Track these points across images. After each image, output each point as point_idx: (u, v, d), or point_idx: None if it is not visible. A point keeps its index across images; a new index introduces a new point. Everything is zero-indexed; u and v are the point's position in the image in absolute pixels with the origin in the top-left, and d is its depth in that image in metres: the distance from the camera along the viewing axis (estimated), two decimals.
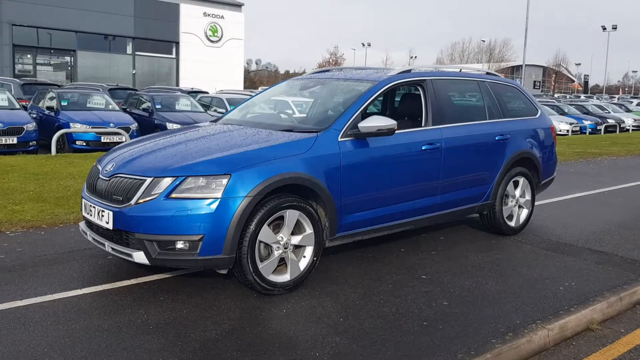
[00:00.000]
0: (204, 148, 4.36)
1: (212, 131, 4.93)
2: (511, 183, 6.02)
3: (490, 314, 4.02)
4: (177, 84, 35.19)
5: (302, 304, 4.09)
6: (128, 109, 17.12)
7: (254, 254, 4.00)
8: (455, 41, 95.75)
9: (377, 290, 4.40)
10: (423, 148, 5.06)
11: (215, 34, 38.97)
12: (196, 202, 3.84)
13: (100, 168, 4.42)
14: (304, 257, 4.34)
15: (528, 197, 6.27)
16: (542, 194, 8.06)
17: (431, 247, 5.60)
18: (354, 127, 4.58)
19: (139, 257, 3.92)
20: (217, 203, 3.84)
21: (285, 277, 4.22)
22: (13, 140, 12.51)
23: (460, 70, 6.18)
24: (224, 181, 3.89)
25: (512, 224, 6.14)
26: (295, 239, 4.25)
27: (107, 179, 4.20)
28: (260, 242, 4.05)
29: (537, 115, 6.55)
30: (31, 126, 12.98)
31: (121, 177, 4.11)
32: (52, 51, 33.10)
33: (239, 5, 41.83)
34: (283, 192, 4.18)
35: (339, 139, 4.52)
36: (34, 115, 14.98)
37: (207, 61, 37.87)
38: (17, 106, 14.07)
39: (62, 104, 14.76)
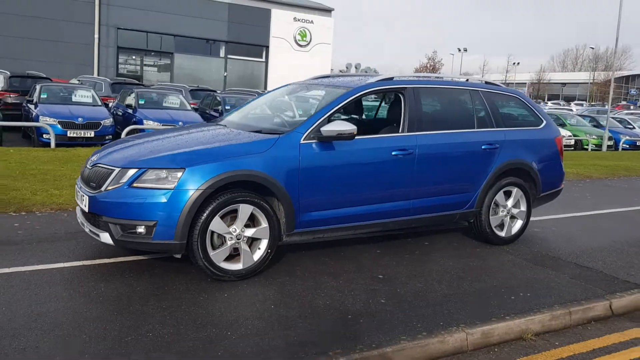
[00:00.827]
0: (174, 145, 4.84)
1: (194, 130, 5.42)
2: (501, 193, 6.02)
3: (420, 315, 4.17)
4: (265, 87, 36.48)
5: (247, 290, 4.44)
6: (205, 109, 18.27)
7: (205, 242, 4.41)
8: (569, 48, 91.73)
9: (326, 285, 4.67)
10: (393, 153, 5.24)
11: (304, 39, 39.97)
12: (153, 191, 4.32)
13: (90, 159, 5.03)
14: (259, 249, 4.69)
15: (523, 208, 6.22)
16: (568, 207, 7.92)
17: (409, 251, 5.75)
18: (318, 131, 4.88)
19: (105, 237, 4.46)
20: (170, 194, 4.30)
21: (238, 266, 4.60)
22: (91, 133, 13.78)
23: (452, 80, 6.26)
24: (179, 174, 4.34)
25: (502, 234, 6.13)
26: (250, 232, 4.62)
27: (90, 168, 4.79)
28: (212, 231, 4.45)
29: (541, 126, 6.47)
30: (108, 121, 14.22)
31: (99, 167, 4.68)
32: (152, 53, 35.48)
33: (328, 10, 42.61)
34: (239, 187, 4.56)
35: (301, 142, 4.83)
36: (120, 112, 16.38)
37: (295, 65, 38.87)
38: (99, 103, 15.45)
39: (140, 102, 15.99)
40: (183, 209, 4.30)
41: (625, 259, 5.92)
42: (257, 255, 4.68)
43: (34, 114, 14.03)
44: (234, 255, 4.63)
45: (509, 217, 6.15)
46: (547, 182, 6.41)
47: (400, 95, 5.55)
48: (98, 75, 30.00)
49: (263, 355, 3.42)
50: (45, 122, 13.37)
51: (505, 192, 6.08)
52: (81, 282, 4.39)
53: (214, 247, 4.51)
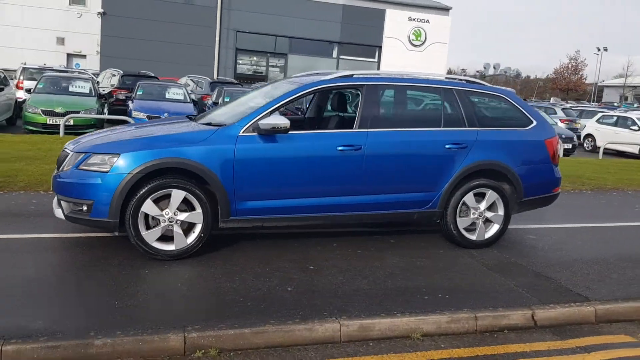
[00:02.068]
0: (131, 134, 5.37)
1: (162, 122, 5.93)
2: (471, 194, 5.84)
3: (311, 304, 4.27)
4: None
5: (171, 269, 4.83)
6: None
7: (137, 222, 4.87)
8: None
9: (249, 270, 4.92)
10: (339, 149, 5.34)
11: (419, 38, 39.55)
12: (92, 174, 4.86)
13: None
14: (194, 232, 5.06)
15: (500, 212, 5.97)
16: (590, 217, 7.45)
17: (366, 247, 5.80)
18: (257, 125, 5.14)
19: (58, 213, 5.09)
20: (105, 176, 4.81)
21: (170, 247, 5.01)
22: None
23: (422, 78, 6.14)
24: (114, 160, 4.84)
25: (473, 237, 5.94)
26: (183, 216, 5.01)
27: (62, 152, 5.46)
28: (144, 213, 4.89)
29: (528, 127, 6.15)
30: None
31: (65, 151, 5.32)
32: (268, 55, 37.21)
33: (446, 9, 41.75)
34: (176, 174, 4.95)
35: (239, 134, 5.12)
36: (208, 108, 17.63)
37: (408, 65, 38.65)
38: (188, 100, 16.70)
39: (225, 100, 17.05)
40: (115, 190, 4.78)
41: (600, 273, 5.49)
42: (191, 238, 5.05)
43: (130, 108, 15.56)
44: (171, 236, 5.04)
45: (481, 220, 5.94)
46: (532, 186, 6.09)
47: (358, 92, 5.62)
48: (218, 75, 32.18)
49: (130, 326, 3.77)
50: (136, 116, 14.80)
51: (477, 194, 5.89)
52: (56, 249, 5.06)
53: (149, 228, 4.95)
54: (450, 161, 5.74)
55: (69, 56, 31.91)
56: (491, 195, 5.91)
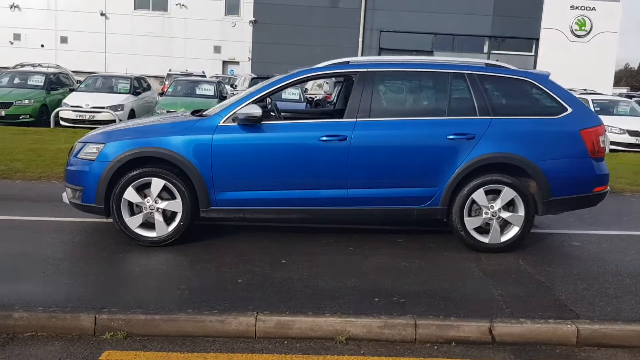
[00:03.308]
0: (128, 125, 5.66)
1: (167, 115, 6.13)
2: (481, 191, 5.20)
3: (246, 297, 4.14)
4: None
5: (149, 255, 5.00)
6: None
7: (120, 208, 5.11)
8: None
9: (218, 261, 4.89)
10: (323, 139, 5.09)
11: (583, 28, 36.07)
12: (84, 162, 5.21)
13: None
14: (175, 221, 5.19)
15: (521, 212, 5.24)
16: None
17: (362, 244, 5.46)
18: (236, 115, 5.11)
19: (64, 197, 5.53)
20: (92, 164, 5.13)
21: (152, 234, 5.18)
22: None
23: (431, 62, 5.56)
24: (100, 148, 5.14)
25: (486, 240, 5.29)
26: (163, 204, 5.15)
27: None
28: (127, 200, 5.12)
29: (561, 116, 5.32)
30: None
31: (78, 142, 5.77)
32: (414, 53, 36.64)
33: None
34: (158, 163, 5.12)
35: (219, 124, 5.13)
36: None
37: (570, 58, 35.51)
38: (302, 100, 17.01)
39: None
40: (100, 177, 5.08)
41: (624, 289, 4.57)
42: (172, 226, 5.18)
43: None
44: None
45: (495, 221, 5.26)
46: (562, 184, 5.27)
47: (351, 79, 5.32)
48: None
49: (64, 303, 3.99)
50: None
51: (491, 191, 5.24)
52: (50, 231, 5.54)
53: (134, 214, 5.18)
54: (453, 153, 5.17)
55: (224, 63, 34.40)
56: (507, 193, 5.21)
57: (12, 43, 32.57)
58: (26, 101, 15.65)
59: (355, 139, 5.11)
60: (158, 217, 5.17)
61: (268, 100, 6.62)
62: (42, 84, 16.75)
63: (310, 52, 33.36)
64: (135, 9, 33.17)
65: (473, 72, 5.37)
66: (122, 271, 4.66)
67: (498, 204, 5.24)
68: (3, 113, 15.06)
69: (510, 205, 5.27)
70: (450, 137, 5.16)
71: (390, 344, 3.81)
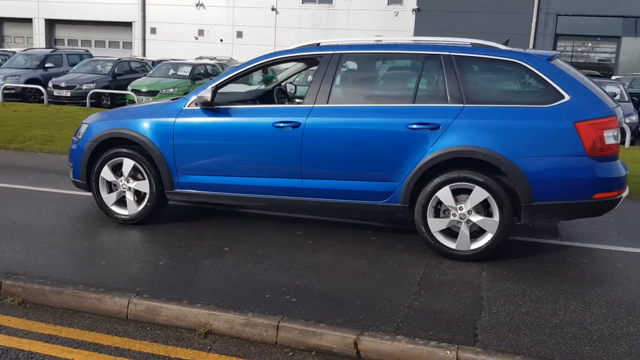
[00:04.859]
0: (121, 109, 5.98)
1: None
2: (447, 189, 4.54)
3: (159, 281, 4.15)
4: None
5: (111, 231, 5.26)
6: None
7: (98, 185, 5.44)
8: None
9: (164, 243, 4.95)
10: (276, 125, 4.87)
11: None
12: (75, 141, 5.64)
13: None
14: (144, 200, 5.38)
15: (496, 218, 4.48)
16: None
17: (325, 238, 5.11)
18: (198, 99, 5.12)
19: (71, 176, 6.03)
20: (78, 143, 5.53)
21: (125, 212, 5.43)
22: None
23: (407, 43, 4.90)
24: (86, 128, 5.52)
25: (453, 245, 4.61)
26: (133, 184, 5.36)
27: None
28: (104, 178, 5.43)
29: (554, 104, 4.40)
30: None
31: None
32: (598, 39, 32.83)
33: None
34: (130, 144, 5.34)
35: (184, 108, 5.18)
36: None
37: None
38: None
39: None
40: (82, 155, 5.45)
41: (550, 321, 3.66)
42: (141, 205, 5.37)
43: None
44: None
45: (465, 224, 4.56)
46: (549, 187, 4.39)
47: (316, 63, 4.99)
48: None
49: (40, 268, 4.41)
50: None
51: (458, 190, 4.56)
52: (50, 202, 6.11)
53: (110, 192, 5.47)
54: (414, 145, 4.58)
55: None
56: (478, 194, 4.48)
57: (196, 38, 36.02)
58: (171, 89, 17.27)
59: (309, 126, 4.80)
60: (129, 196, 5.40)
61: (288, 86, 6.54)
62: (188, 74, 18.36)
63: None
64: (302, 2, 34.56)
65: (451, 54, 4.68)
66: (74, 243, 4.94)
67: (468, 206, 4.54)
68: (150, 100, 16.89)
69: (487, 208, 4.53)
70: (412, 126, 4.58)
71: (250, 344, 3.55)
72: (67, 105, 16.92)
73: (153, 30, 36.33)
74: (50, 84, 17.84)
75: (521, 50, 4.84)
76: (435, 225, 4.63)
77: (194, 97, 5.16)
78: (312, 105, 4.84)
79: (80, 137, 5.54)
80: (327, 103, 4.82)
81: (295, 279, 4.23)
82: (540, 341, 3.38)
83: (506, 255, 4.74)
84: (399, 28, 33.42)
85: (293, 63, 6.01)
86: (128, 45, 36.80)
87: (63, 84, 17.76)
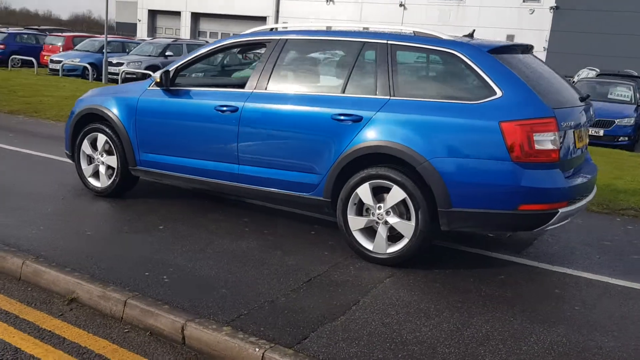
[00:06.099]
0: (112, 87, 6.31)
1: None
2: (366, 186, 4.24)
3: (63, 248, 4.39)
4: None
5: (85, 204, 5.60)
6: None
7: (79, 157, 5.82)
8: None
9: (118, 218, 5.21)
10: (218, 109, 4.87)
11: None
12: (69, 115, 6.09)
13: None
14: (113, 174, 5.67)
15: (411, 221, 4.11)
16: None
17: (266, 228, 5.02)
18: None
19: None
20: (70, 117, 5.96)
21: (98, 184, 5.76)
22: (600, 132, 13.04)
23: (347, 31, 4.56)
24: (76, 103, 5.94)
25: (370, 246, 4.30)
26: (105, 158, 5.67)
27: None
28: (84, 151, 5.80)
29: (481, 101, 3.91)
30: (625, 121, 13.25)
31: None
32: None
33: None
34: (106, 121, 5.64)
35: (148, 88, 5.37)
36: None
37: None
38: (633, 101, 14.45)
39: None
40: (69, 129, 5.88)
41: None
42: (111, 179, 5.67)
43: None
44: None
45: (382, 225, 4.24)
46: (468, 192, 3.94)
47: (263, 49, 4.91)
48: None
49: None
50: None
51: (381, 188, 4.24)
52: (65, 170, 6.63)
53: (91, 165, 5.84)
54: (337, 137, 4.33)
55: None
56: (395, 194, 4.14)
57: None
58: None
59: (245, 111, 4.74)
60: (102, 170, 5.71)
61: None
62: None
63: (617, 42, 28.99)
64: None
65: (388, 42, 4.35)
66: (41, 213, 5.26)
67: (386, 206, 4.21)
68: None
69: (405, 210, 4.18)
70: (336, 117, 4.34)
71: (102, 316, 3.61)
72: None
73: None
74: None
75: (466, 40, 4.36)
76: (355, 223, 4.35)
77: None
78: (251, 91, 4.78)
79: (70, 111, 5.97)
80: (266, 89, 4.73)
81: (190, 262, 4.21)
82: (366, 353, 3.06)
83: (434, 264, 4.33)
84: (534, 27, 31.45)
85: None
86: None
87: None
